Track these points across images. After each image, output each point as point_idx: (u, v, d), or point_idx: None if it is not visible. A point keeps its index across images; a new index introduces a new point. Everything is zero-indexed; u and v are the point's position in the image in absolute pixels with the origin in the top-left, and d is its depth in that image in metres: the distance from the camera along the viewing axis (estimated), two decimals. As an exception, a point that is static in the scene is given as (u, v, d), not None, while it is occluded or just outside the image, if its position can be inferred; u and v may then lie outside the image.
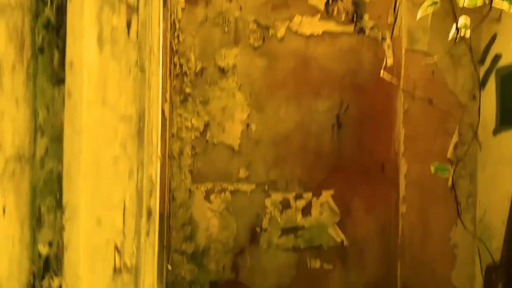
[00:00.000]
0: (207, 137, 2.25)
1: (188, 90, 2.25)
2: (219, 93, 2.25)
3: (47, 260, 0.52)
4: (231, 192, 2.26)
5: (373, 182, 2.32)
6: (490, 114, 2.20)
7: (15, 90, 0.52)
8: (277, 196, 2.28)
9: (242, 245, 2.26)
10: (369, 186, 2.31)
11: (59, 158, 0.55)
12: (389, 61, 1.93)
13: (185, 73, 2.24)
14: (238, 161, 2.26)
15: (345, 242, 2.29)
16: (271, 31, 2.28)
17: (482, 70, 2.27)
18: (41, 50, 0.59)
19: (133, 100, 0.59)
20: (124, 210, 0.57)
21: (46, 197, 0.55)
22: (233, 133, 2.26)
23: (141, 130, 0.59)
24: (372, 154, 2.32)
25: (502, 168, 2.12)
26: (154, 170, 0.61)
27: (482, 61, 2.28)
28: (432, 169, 1.69)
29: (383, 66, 1.91)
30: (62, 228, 0.52)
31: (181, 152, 2.24)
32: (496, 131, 2.18)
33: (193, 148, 2.25)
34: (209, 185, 2.25)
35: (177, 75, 2.24)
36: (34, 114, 0.56)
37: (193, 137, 2.25)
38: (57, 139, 0.56)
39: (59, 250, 0.52)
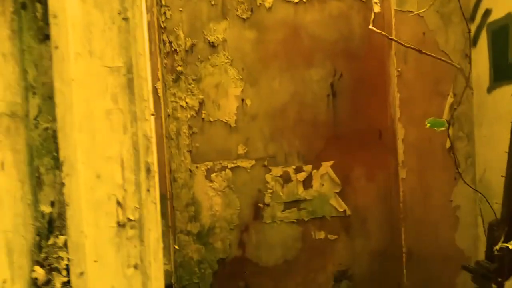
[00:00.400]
0: (203, 116, 2.23)
1: (179, 68, 2.21)
2: (211, 70, 2.22)
3: (50, 219, 0.51)
4: (231, 169, 2.25)
5: (371, 149, 2.31)
6: (483, 71, 2.18)
7: (1, 45, 0.50)
8: (277, 171, 2.27)
9: (247, 222, 2.26)
10: (368, 153, 2.30)
11: (53, 116, 0.53)
12: (376, 8, 1.90)
13: (175, 50, 2.21)
14: (236, 138, 2.25)
15: (348, 212, 2.30)
16: (258, 1, 2.24)
17: (472, 28, 2.25)
18: (24, 5, 0.56)
19: (120, 51, 0.57)
20: (122, 164, 0.56)
21: (44, 157, 0.53)
22: (228, 110, 2.24)
23: (130, 83, 0.58)
24: (368, 121, 2.31)
25: (498, 125, 2.11)
26: (148, 126, 0.60)
27: (472, 18, 2.25)
28: (428, 124, 1.68)
29: (371, 19, 1.88)
30: (62, 185, 0.50)
31: (178, 133, 2.22)
32: (490, 89, 2.17)
33: (189, 127, 2.23)
34: (209, 164, 2.24)
35: (167, 53, 2.20)
36: (24, 73, 0.54)
37: (189, 116, 2.23)
38: (49, 98, 0.55)
39: (62, 209, 0.51)
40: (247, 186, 2.26)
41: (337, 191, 2.29)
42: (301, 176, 2.28)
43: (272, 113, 2.27)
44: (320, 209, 2.28)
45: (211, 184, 2.23)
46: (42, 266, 0.51)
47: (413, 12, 2.24)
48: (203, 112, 2.23)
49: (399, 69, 2.24)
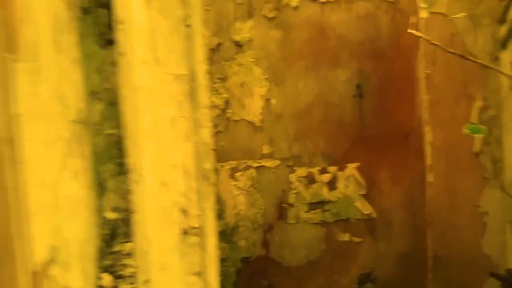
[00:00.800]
0: (228, 115, 2.23)
1: (206, 68, 2.21)
2: (236, 69, 2.22)
3: (115, 225, 0.51)
4: (256, 168, 2.24)
5: (398, 152, 2.28)
6: (514, 74, 2.13)
7: (70, 50, 0.50)
8: (301, 171, 2.26)
9: (271, 222, 2.26)
10: (394, 156, 2.28)
11: (116, 123, 0.53)
12: (423, 13, 1.87)
13: (203, 50, 2.21)
14: (261, 137, 2.24)
15: (373, 214, 2.27)
16: (285, 0, 2.22)
17: (502, 30, 2.20)
18: (86, 11, 0.56)
19: (183, 59, 0.57)
20: (185, 172, 0.56)
21: (107, 163, 0.53)
22: (253, 109, 2.23)
23: (193, 91, 0.57)
24: (395, 122, 2.28)
25: (529, 129, 2.07)
26: (207, 134, 0.59)
27: (502, 20, 2.20)
28: (466, 130, 1.65)
29: (410, 22, 1.85)
30: (128, 192, 0.50)
31: (203, 132, 2.22)
32: (521, 92, 2.12)
33: (215, 126, 2.23)
34: (234, 163, 2.24)
35: (195, 52, 2.20)
36: (88, 79, 0.54)
37: (214, 115, 2.23)
38: (112, 104, 0.54)
39: (127, 215, 0.51)
40: (271, 186, 2.25)
41: (362, 193, 2.27)
42: (326, 177, 2.26)
43: (297, 113, 2.25)
44: (345, 211, 2.26)
45: (235, 183, 2.23)
46: (108, 273, 0.51)
47: (442, 13, 2.20)
48: (228, 111, 2.23)
49: (427, 71, 2.21)
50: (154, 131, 0.53)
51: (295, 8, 2.23)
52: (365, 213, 2.27)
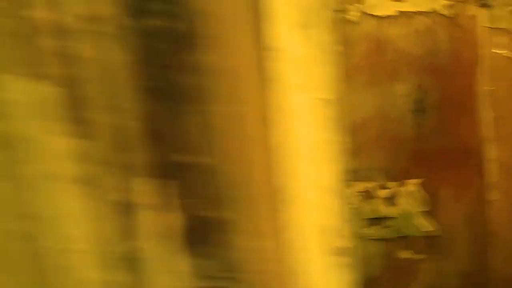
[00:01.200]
0: (288, 130, 2.25)
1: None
2: (297, 85, 2.24)
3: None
4: (313, 184, 2.25)
5: (459, 168, 2.23)
6: None
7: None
8: (359, 186, 2.24)
9: (328, 237, 2.24)
10: (455, 172, 2.23)
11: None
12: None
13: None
14: (319, 153, 2.24)
15: (434, 232, 2.22)
16: (342, 15, 2.23)
17: None
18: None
19: (329, 84, 0.59)
20: (333, 193, 0.57)
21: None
22: (312, 125, 2.24)
23: (335, 114, 0.59)
24: (455, 139, 2.23)
25: None
26: (345, 155, 0.61)
27: None
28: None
29: (492, 43, 1.82)
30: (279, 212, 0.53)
31: (263, 146, 2.25)
32: None
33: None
34: (292, 178, 2.25)
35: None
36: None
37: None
38: (261, 127, 0.57)
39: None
40: (328, 201, 2.24)
41: (423, 210, 2.23)
42: (385, 193, 2.23)
43: (354, 127, 2.25)
44: (405, 227, 2.22)
45: (292, 198, 2.24)
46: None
47: (504, 28, 2.17)
48: (286, 126, 2.24)
49: (489, 87, 2.17)
50: (305, 154, 0.55)
51: (353, 23, 2.24)
52: (426, 230, 2.22)
